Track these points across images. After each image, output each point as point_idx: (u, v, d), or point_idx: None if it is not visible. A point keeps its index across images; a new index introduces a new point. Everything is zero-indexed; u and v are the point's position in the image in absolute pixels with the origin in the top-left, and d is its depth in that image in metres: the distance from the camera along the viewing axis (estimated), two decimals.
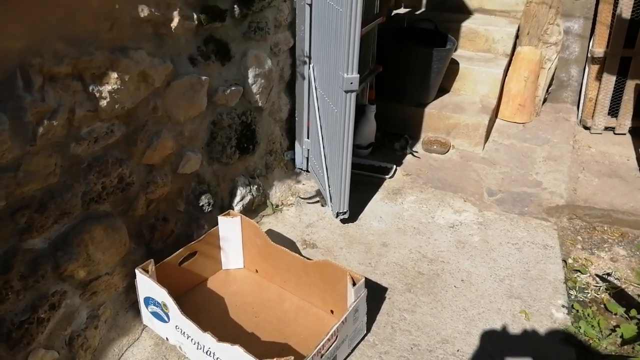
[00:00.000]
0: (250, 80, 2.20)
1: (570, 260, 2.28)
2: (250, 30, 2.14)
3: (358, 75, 2.00)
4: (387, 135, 3.19)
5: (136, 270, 1.72)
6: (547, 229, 2.45)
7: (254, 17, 2.14)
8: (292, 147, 2.76)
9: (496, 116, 3.65)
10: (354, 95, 2.05)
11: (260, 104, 2.31)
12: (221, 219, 2.00)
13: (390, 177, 2.84)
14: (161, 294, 1.67)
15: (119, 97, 1.56)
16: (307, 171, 2.79)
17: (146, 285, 1.72)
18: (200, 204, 2.09)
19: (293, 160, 2.78)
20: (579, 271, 2.21)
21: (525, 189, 2.81)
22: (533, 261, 2.23)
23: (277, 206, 2.57)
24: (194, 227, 2.09)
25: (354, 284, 1.68)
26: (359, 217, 2.51)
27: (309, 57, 2.47)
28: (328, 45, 2.18)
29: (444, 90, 3.45)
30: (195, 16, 1.82)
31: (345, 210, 2.39)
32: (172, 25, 1.72)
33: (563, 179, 2.93)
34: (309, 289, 1.90)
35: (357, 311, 1.70)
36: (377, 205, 2.61)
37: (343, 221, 2.45)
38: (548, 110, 3.88)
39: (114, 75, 1.53)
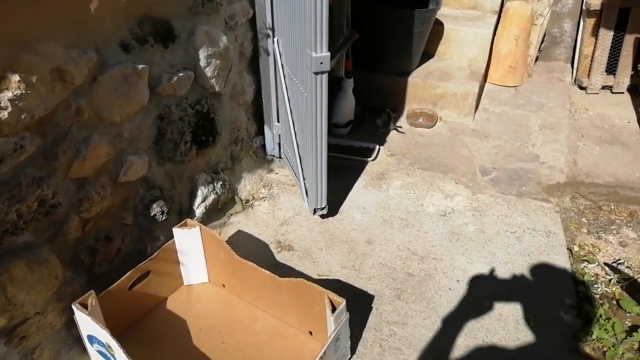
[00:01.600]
0: (202, 63, 1.86)
1: (576, 248, 2.04)
2: (197, 3, 1.79)
3: (329, 54, 1.68)
4: (367, 110, 2.88)
5: (73, 307, 1.44)
6: (548, 212, 2.20)
7: None
8: (261, 132, 2.45)
9: (485, 80, 3.35)
10: (325, 77, 1.74)
11: (217, 89, 1.98)
12: (177, 231, 1.71)
13: (373, 160, 2.55)
14: (103, 335, 1.40)
15: (26, 104, 1.23)
16: (280, 158, 2.49)
17: (86, 323, 1.44)
18: (152, 214, 1.79)
19: (263, 146, 2.48)
20: (587, 261, 1.98)
21: (521, 165, 2.54)
22: (535, 252, 1.99)
23: (247, 202, 2.28)
24: (147, 240, 1.80)
25: (334, 309, 1.43)
26: (340, 209, 2.24)
27: (272, 30, 2.13)
28: (292, 16, 1.84)
29: (428, 55, 3.12)
30: None
31: (323, 206, 2.11)
32: (90, 5, 1.38)
33: (562, 149, 2.67)
34: (283, 308, 1.64)
35: (338, 339, 1.45)
36: (359, 193, 2.33)
37: (322, 216, 2.18)
38: (540, 69, 3.58)
39: (15, 78, 1.20)
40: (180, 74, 1.76)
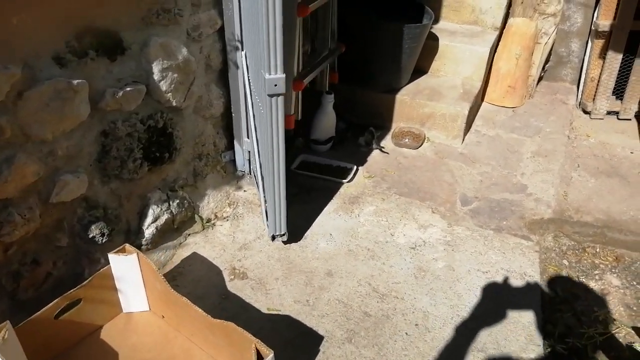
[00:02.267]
0: (156, 76, 1.75)
1: (552, 294, 1.88)
2: (151, 13, 1.67)
3: (284, 76, 1.55)
4: (351, 127, 2.74)
5: None
6: (527, 251, 2.04)
7: None
8: (231, 147, 2.33)
9: (482, 99, 3.19)
10: (280, 99, 1.61)
11: (175, 103, 1.87)
12: (113, 257, 1.60)
13: (349, 181, 2.42)
14: None
15: None
16: (251, 174, 2.37)
17: None
18: (91, 236, 1.69)
19: (234, 161, 2.36)
20: (560, 310, 1.82)
21: (506, 196, 2.38)
22: (507, 296, 1.84)
23: (208, 221, 2.17)
24: (85, 263, 1.70)
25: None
26: (306, 234, 2.11)
27: (241, 42, 2.01)
28: (255, 30, 1.72)
29: (420, 71, 2.97)
30: (55, 4, 1.36)
31: (283, 232, 1.99)
32: (13, 18, 1.28)
33: (553, 180, 2.50)
34: (216, 348, 1.53)
35: None
36: (328, 218, 2.20)
37: (285, 242, 2.05)
38: (544, 90, 3.39)
39: None
40: (128, 89, 1.65)
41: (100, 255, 1.74)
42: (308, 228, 2.14)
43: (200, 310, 1.48)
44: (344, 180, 2.40)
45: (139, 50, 1.68)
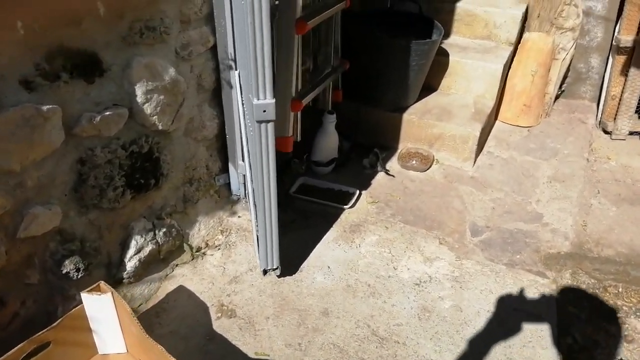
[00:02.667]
0: (139, 99, 1.62)
1: (569, 341, 1.71)
2: (133, 32, 1.55)
3: (273, 101, 1.42)
4: (355, 148, 2.59)
5: None
6: (542, 290, 1.87)
7: (138, 13, 1.54)
8: (226, 170, 2.20)
9: (496, 118, 3.02)
10: (270, 126, 1.47)
11: (161, 127, 1.74)
12: (86, 296, 1.47)
13: (351, 207, 2.27)
14: None
15: None
16: (246, 198, 2.24)
17: None
18: (65, 271, 1.56)
19: (229, 185, 2.23)
20: None
21: (520, 225, 2.21)
22: (518, 344, 1.67)
23: (198, 249, 2.03)
24: (59, 301, 1.57)
25: None
26: (302, 266, 1.96)
27: (234, 61, 1.88)
28: (244, 50, 1.59)
29: (430, 88, 2.82)
30: (20, 23, 1.24)
31: (275, 267, 1.85)
32: None
33: (571, 209, 2.32)
34: None
35: None
36: (327, 248, 2.05)
37: (279, 275, 1.91)
38: (561, 108, 3.22)
39: None
40: (108, 113, 1.53)
41: (75, 291, 1.61)
42: (304, 259, 1.99)
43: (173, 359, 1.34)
44: (345, 207, 2.25)
45: (121, 72, 1.56)
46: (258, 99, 1.40)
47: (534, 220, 2.25)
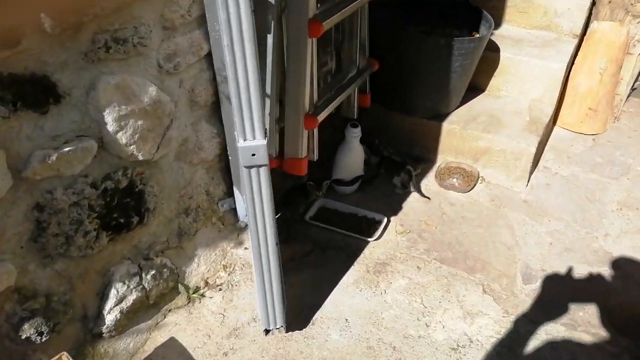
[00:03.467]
0: (111, 127, 1.32)
1: None
2: (97, 47, 1.23)
3: (265, 142, 1.08)
4: (385, 162, 2.22)
5: None
6: None
7: (101, 23, 1.22)
8: (231, 193, 1.89)
9: (554, 123, 2.57)
10: (263, 171, 1.14)
11: (142, 156, 1.44)
12: None
13: (377, 239, 1.92)
14: None
15: None
16: None
17: None
18: (24, 336, 1.30)
19: (234, 210, 1.92)
20: None
21: (584, 269, 1.81)
22: None
23: (196, 290, 1.74)
24: None
25: None
26: (314, 318, 1.65)
27: None
28: None
29: (476, 88, 2.40)
30: None
31: (279, 326, 1.54)
32: None
33: None
34: None
35: None
36: (346, 294, 1.73)
37: (286, 328, 1.60)
38: (633, 110, 2.73)
39: None
40: (68, 148, 1.23)
41: (41, 355, 1.36)
42: (318, 308, 1.68)
43: None
44: (369, 239, 1.91)
45: (84, 96, 1.25)
46: (244, 140, 1.07)
47: (601, 262, 1.84)
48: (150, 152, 1.46)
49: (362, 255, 1.87)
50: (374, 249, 1.89)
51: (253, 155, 1.08)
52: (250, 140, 1.06)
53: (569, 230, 1.98)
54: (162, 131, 1.48)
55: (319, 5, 1.60)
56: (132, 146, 1.40)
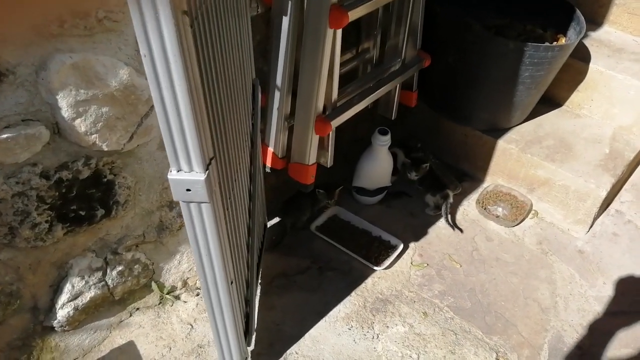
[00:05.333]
0: (66, 113, 1.13)
1: None
2: (49, 20, 1.02)
3: (203, 178, 0.83)
4: (425, 178, 1.86)
5: None
6: None
7: None
8: None
9: None
10: (205, 208, 0.90)
11: (107, 147, 1.25)
12: None
13: (386, 268, 1.65)
14: None
15: None
16: None
17: None
18: None
19: None
20: None
21: (631, 356, 1.45)
22: None
23: (171, 290, 1.58)
24: None
25: None
26: (287, 352, 1.43)
27: None
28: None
29: (551, 101, 1.98)
30: None
31: None
32: None
33: None
34: None
35: None
36: (332, 330, 1.49)
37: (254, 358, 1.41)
38: None
39: None
40: (6, 135, 1.06)
41: None
42: (295, 341, 1.46)
43: None
44: (376, 267, 1.63)
45: (33, 75, 1.06)
46: (178, 170, 0.83)
47: None
48: (120, 143, 1.26)
49: (363, 284, 1.61)
50: (380, 280, 1.62)
51: (188, 190, 0.84)
52: (186, 173, 0.83)
53: (627, 299, 1.59)
54: (137, 119, 1.27)
55: None
56: (94, 135, 1.20)
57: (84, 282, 1.39)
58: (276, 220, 1.79)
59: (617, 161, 1.76)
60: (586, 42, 1.95)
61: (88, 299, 1.41)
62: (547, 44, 1.70)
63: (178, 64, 0.68)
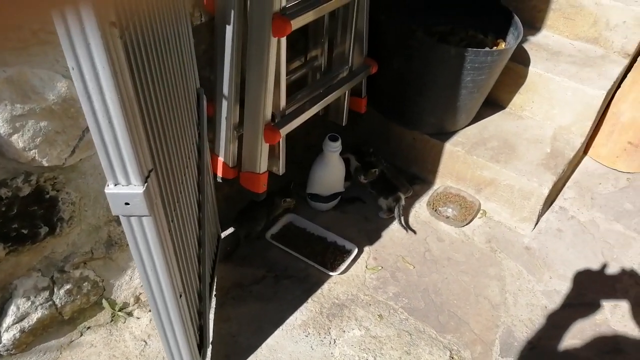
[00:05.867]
0: (1, 128, 1.09)
1: None
2: None
3: (141, 190, 0.82)
4: (377, 182, 1.90)
5: None
6: None
7: None
8: None
9: (585, 153, 2.20)
10: (146, 221, 0.89)
11: (46, 162, 1.21)
12: None
13: (342, 273, 1.66)
14: None
15: None
16: None
17: None
18: None
19: None
20: None
21: (581, 354, 1.51)
22: None
23: (123, 307, 1.55)
24: None
25: None
26: None
27: None
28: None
29: (495, 104, 2.05)
30: None
31: None
32: None
33: None
34: None
35: None
36: (289, 337, 1.49)
37: None
38: None
39: None
40: None
41: None
42: (253, 351, 1.45)
43: None
44: (332, 273, 1.65)
45: None
46: (115, 184, 0.82)
47: (600, 341, 1.53)
48: (61, 157, 1.23)
49: (319, 291, 1.62)
50: (335, 285, 1.63)
51: (127, 204, 0.83)
52: (123, 186, 0.81)
53: (572, 293, 1.66)
54: (79, 133, 1.25)
55: None
56: (33, 150, 1.17)
57: (29, 303, 1.34)
58: (231, 230, 1.78)
59: (558, 160, 1.84)
60: (526, 46, 2.04)
61: (35, 320, 1.36)
62: (487, 49, 1.76)
63: (107, 75, 0.67)
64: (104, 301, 1.52)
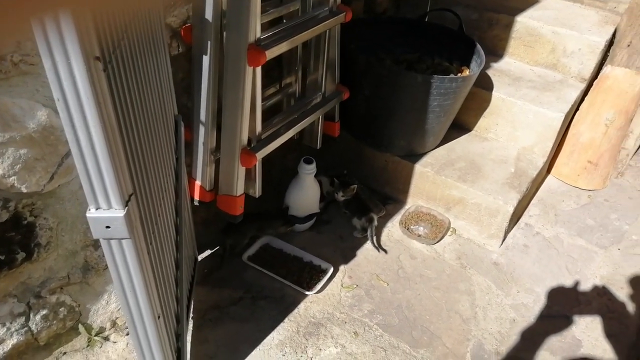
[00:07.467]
0: None
1: None
2: None
3: (122, 214, 0.86)
4: (350, 202, 1.96)
5: None
6: None
7: None
8: None
9: (548, 172, 2.31)
10: (128, 244, 0.92)
11: (25, 189, 1.23)
12: None
13: (318, 292, 1.70)
14: None
15: None
16: None
17: None
18: None
19: None
20: None
21: (546, 357, 1.57)
22: None
23: (100, 332, 1.55)
24: None
25: None
26: None
27: None
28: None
29: (462, 127, 2.15)
30: None
31: None
32: None
33: (627, 341, 1.64)
34: None
35: None
36: (266, 357, 1.51)
37: None
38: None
39: None
40: None
41: None
42: None
43: None
44: (308, 292, 1.68)
45: None
46: (96, 208, 0.85)
47: (568, 350, 1.60)
48: (40, 184, 1.26)
49: (296, 310, 1.65)
50: (312, 305, 1.67)
51: (108, 227, 0.87)
52: (104, 210, 0.85)
53: (538, 306, 1.73)
54: (58, 160, 1.27)
55: (266, 27, 1.37)
56: (13, 177, 1.19)
57: (5, 329, 1.34)
58: (208, 253, 1.80)
59: (522, 179, 1.93)
60: (489, 72, 2.15)
61: (10, 346, 1.36)
62: (452, 75, 1.86)
63: (92, 106, 0.72)
64: (80, 326, 1.52)
